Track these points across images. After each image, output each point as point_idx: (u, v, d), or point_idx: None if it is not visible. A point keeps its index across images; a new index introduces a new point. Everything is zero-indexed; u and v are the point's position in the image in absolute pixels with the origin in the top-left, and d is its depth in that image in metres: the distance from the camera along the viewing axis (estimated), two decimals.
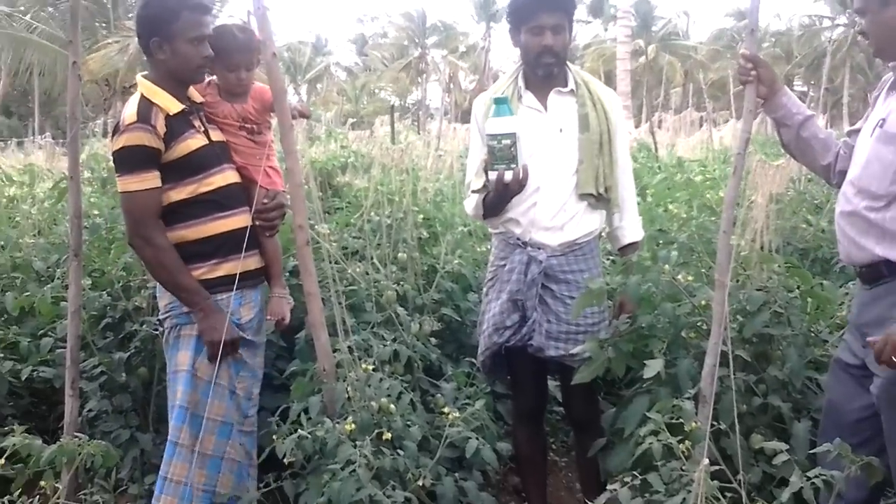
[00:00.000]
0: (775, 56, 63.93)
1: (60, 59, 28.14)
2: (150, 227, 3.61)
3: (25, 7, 32.73)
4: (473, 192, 4.06)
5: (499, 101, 3.77)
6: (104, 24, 31.51)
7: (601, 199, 4.03)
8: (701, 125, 21.57)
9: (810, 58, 57.22)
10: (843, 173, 3.39)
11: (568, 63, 4.12)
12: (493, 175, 3.79)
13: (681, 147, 17.81)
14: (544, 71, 4.01)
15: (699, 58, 59.22)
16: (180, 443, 3.69)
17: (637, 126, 26.09)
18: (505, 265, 4.08)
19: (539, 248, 4.01)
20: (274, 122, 3.92)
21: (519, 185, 3.80)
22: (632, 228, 4.22)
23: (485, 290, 4.26)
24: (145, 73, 3.79)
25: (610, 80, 41.75)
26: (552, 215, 3.99)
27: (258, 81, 3.98)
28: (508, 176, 3.76)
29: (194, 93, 3.88)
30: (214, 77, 3.96)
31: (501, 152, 3.73)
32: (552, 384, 4.63)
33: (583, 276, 4.01)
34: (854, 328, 3.35)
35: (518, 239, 4.05)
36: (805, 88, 60.97)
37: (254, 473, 3.88)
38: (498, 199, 3.93)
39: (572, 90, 4.07)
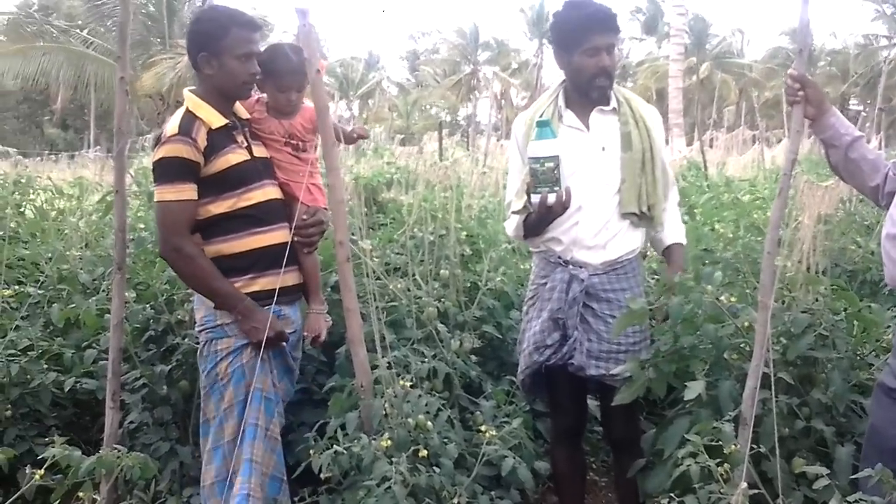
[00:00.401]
0: (831, 75, 63.30)
1: (116, 73, 28.44)
2: (180, 237, 3.65)
3: (83, 22, 33.23)
4: (514, 213, 4.03)
5: (541, 124, 3.75)
6: (159, 40, 31.85)
7: (644, 217, 4.01)
8: (754, 143, 21.38)
9: (867, 77, 56.55)
10: (892, 195, 3.33)
11: None
12: (535, 198, 3.78)
13: (731, 166, 17.65)
14: (598, 93, 3.99)
15: (753, 76, 58.79)
16: (225, 441, 3.74)
17: (689, 144, 25.91)
18: (546, 283, 4.05)
19: (580, 267, 3.98)
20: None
21: (562, 208, 3.79)
22: (672, 230, 4.17)
23: (525, 308, 4.23)
24: (192, 87, 3.85)
25: (662, 97, 41.62)
26: (594, 234, 3.97)
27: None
28: (552, 199, 3.74)
29: (241, 109, 3.93)
30: (264, 95, 3.99)
31: (544, 175, 3.72)
32: (592, 403, 4.58)
33: (624, 294, 3.97)
34: None
35: (559, 257, 4.03)
36: (861, 108, 60.31)
37: (286, 488, 3.87)
38: (540, 221, 3.92)
39: (614, 108, 4.04)
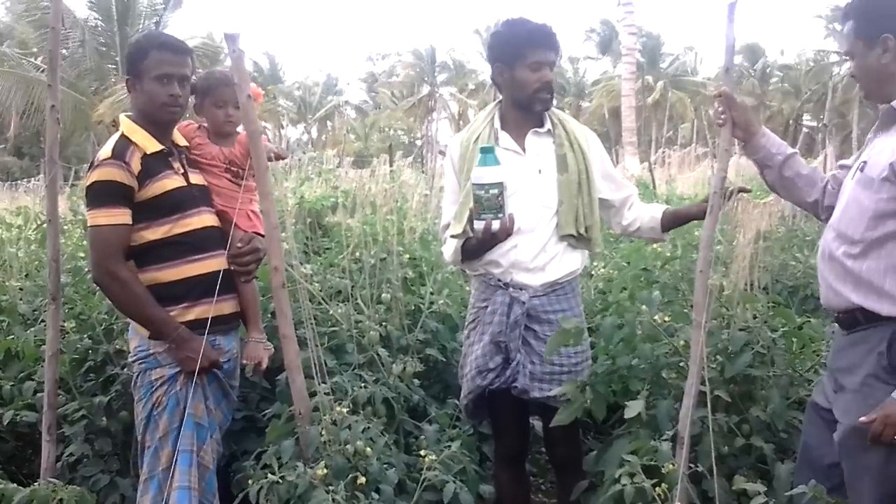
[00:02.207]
0: (785, 91, 64.15)
1: (70, 99, 28.29)
2: (114, 262, 3.60)
3: (38, 49, 32.99)
4: (452, 237, 4.01)
5: (485, 150, 3.70)
6: (113, 67, 31.69)
7: (582, 238, 4.01)
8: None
9: (819, 93, 57.33)
10: (831, 209, 3.34)
11: None
12: (479, 224, 3.74)
13: (681, 183, 17.75)
14: (542, 106, 4.01)
15: (708, 93, 59.39)
16: (160, 470, 3.67)
17: (642, 162, 26.08)
18: (486, 307, 4.03)
19: (521, 289, 3.97)
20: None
21: (506, 234, 3.76)
22: (651, 208, 4.23)
23: (466, 332, 4.21)
24: (129, 112, 3.82)
25: (617, 116, 41.96)
26: (533, 256, 3.96)
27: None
28: (496, 225, 3.71)
29: (178, 136, 3.91)
30: (204, 123, 3.99)
31: (489, 202, 3.67)
32: (538, 425, 4.56)
33: (564, 315, 3.95)
34: (829, 372, 3.31)
35: (499, 280, 4.01)
36: (815, 124, 61.08)
37: None
38: (483, 246, 3.90)
39: (549, 130, 4.06)
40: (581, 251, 4.09)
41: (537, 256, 3.97)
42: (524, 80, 3.96)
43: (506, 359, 3.98)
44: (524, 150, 4.04)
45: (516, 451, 4.29)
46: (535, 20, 3.99)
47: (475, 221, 3.76)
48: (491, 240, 3.79)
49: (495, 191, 3.65)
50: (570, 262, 4.05)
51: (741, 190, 3.83)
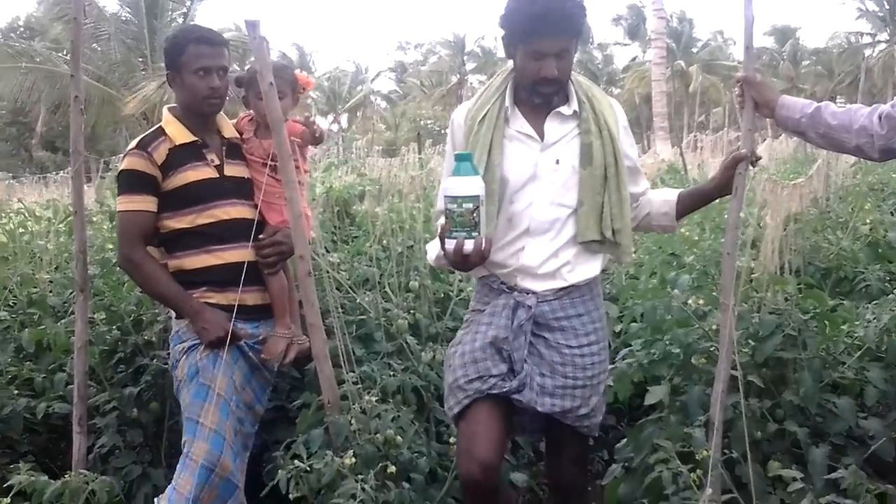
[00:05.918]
0: (817, 74, 63.72)
1: (100, 94, 28.46)
2: (133, 246, 3.75)
3: (69, 44, 33.24)
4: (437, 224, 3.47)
5: (461, 158, 3.18)
6: (141, 60, 31.84)
7: (607, 243, 3.40)
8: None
9: (852, 75, 56.82)
10: (889, 150, 3.12)
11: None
12: (450, 244, 3.14)
13: (713, 167, 17.63)
14: (541, 100, 3.35)
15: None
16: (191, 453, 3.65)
17: (673, 146, 25.93)
18: (484, 310, 3.47)
19: (527, 293, 3.39)
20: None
21: (480, 258, 3.15)
22: (664, 193, 3.65)
23: (458, 336, 3.61)
24: (172, 105, 3.95)
25: (648, 101, 41.83)
26: (542, 261, 3.37)
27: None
28: (469, 246, 3.10)
29: (227, 127, 3.97)
30: (250, 112, 4.01)
31: (462, 217, 3.10)
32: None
33: (581, 320, 3.42)
34: None
35: (503, 283, 3.44)
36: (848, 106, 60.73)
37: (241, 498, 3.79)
38: (455, 268, 3.36)
39: (575, 112, 3.39)
40: (604, 255, 3.51)
41: (547, 261, 3.37)
42: (524, 69, 3.32)
43: (510, 368, 3.35)
44: (541, 135, 3.39)
45: (485, 469, 3.27)
46: None
47: (446, 240, 3.17)
48: (463, 262, 3.17)
49: (469, 205, 3.09)
50: (587, 268, 3.43)
51: (755, 158, 3.41)
